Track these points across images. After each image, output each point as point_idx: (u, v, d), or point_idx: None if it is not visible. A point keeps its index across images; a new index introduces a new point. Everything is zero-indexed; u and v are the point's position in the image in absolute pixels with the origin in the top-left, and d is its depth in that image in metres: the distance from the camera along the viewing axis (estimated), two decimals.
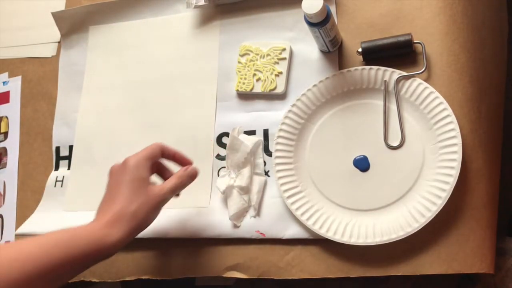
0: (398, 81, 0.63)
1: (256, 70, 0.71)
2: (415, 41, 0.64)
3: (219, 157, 0.70)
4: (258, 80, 0.71)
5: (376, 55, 0.65)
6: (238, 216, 0.65)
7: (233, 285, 0.70)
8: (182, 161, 0.64)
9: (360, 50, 0.65)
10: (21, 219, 0.78)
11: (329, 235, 0.60)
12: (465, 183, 0.59)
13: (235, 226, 0.65)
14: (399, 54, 0.64)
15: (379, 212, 0.61)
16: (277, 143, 0.67)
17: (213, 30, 0.76)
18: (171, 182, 0.60)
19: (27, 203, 0.79)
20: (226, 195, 0.67)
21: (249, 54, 0.72)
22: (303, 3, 0.60)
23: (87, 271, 0.62)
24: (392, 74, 0.64)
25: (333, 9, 0.70)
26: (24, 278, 0.48)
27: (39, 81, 0.85)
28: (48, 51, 0.86)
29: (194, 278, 0.69)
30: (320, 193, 0.64)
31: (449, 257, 0.57)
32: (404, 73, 0.63)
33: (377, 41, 0.65)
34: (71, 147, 0.79)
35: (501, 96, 0.66)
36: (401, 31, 0.66)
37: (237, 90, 0.72)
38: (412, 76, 0.63)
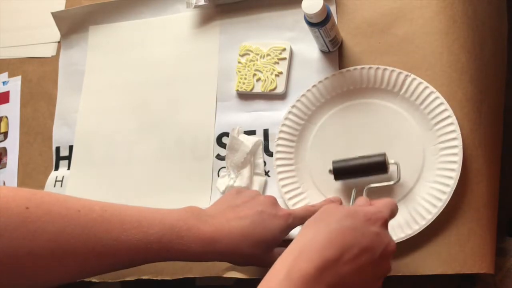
0: None
1: (256, 70, 0.71)
2: (390, 162, 0.60)
3: (219, 157, 0.70)
4: (258, 80, 0.71)
5: (349, 176, 0.62)
6: None
7: (233, 285, 0.69)
8: None
9: (331, 169, 0.62)
10: None
11: None
12: (465, 183, 0.59)
13: None
14: (372, 174, 0.60)
15: None
16: (278, 145, 0.67)
17: (213, 30, 0.76)
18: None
19: None
20: None
21: (249, 54, 0.72)
22: (303, 3, 0.60)
23: None
24: (391, 73, 0.64)
25: (333, 9, 0.70)
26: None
27: (39, 81, 0.85)
28: (48, 51, 0.86)
29: (194, 278, 0.69)
30: (321, 194, 0.64)
31: (449, 257, 0.57)
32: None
33: (349, 161, 0.61)
34: (71, 147, 0.79)
35: (501, 96, 0.66)
36: (400, 31, 0.66)
37: (237, 90, 0.71)
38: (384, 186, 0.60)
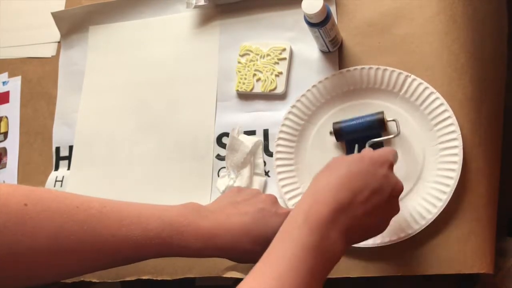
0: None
1: (256, 70, 0.71)
2: (388, 119, 0.63)
3: (219, 157, 0.70)
4: (258, 80, 0.71)
5: (349, 135, 0.64)
6: None
7: (232, 285, 0.70)
8: None
9: (331, 130, 0.64)
10: None
11: None
12: (465, 183, 0.59)
13: None
14: (372, 132, 0.63)
15: None
16: (278, 145, 0.67)
17: (213, 30, 0.76)
18: None
19: None
20: None
21: (249, 54, 0.72)
22: (303, 3, 0.60)
23: None
24: (391, 73, 0.64)
25: (333, 9, 0.70)
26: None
27: (39, 81, 0.85)
28: (48, 51, 0.86)
29: (194, 278, 0.69)
30: None
31: (449, 257, 0.57)
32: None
33: (348, 121, 0.63)
34: (71, 147, 0.79)
35: (501, 96, 0.66)
36: (400, 31, 0.66)
37: (237, 90, 0.72)
38: (385, 140, 0.62)
